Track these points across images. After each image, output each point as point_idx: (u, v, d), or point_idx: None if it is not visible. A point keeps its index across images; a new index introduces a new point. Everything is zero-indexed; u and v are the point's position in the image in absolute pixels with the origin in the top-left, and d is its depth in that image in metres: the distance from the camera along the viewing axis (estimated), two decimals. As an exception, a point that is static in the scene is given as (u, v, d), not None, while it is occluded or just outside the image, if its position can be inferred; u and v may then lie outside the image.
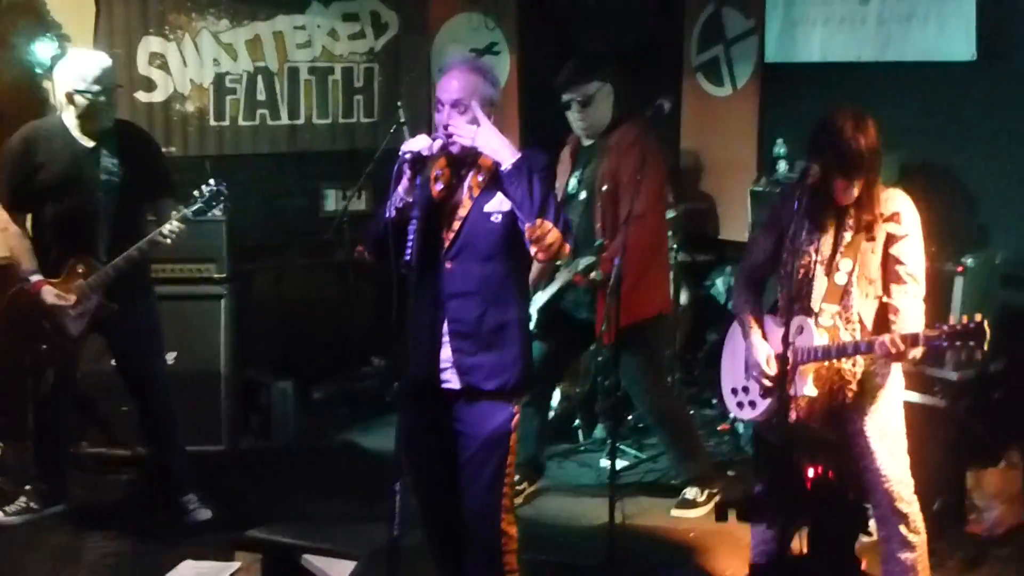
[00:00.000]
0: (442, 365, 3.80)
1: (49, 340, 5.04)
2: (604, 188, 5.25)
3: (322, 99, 6.97)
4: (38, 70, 6.06)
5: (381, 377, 7.12)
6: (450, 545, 3.99)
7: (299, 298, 7.11)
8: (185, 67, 6.44)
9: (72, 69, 4.92)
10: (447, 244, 3.77)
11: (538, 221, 3.61)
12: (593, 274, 5.18)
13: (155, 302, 5.33)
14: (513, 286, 3.84)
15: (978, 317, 3.75)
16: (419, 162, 3.64)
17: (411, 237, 3.60)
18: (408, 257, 3.58)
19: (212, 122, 6.53)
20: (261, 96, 6.77)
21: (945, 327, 3.77)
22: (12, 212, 5.03)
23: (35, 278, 4.99)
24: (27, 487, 5.32)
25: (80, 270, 4.98)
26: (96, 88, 4.88)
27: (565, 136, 5.55)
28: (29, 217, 5.10)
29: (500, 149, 3.66)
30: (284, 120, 6.85)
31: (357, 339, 7.13)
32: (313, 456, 6.30)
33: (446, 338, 3.78)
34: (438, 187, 3.82)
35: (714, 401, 6.66)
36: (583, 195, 5.36)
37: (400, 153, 3.65)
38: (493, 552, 3.85)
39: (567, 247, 3.72)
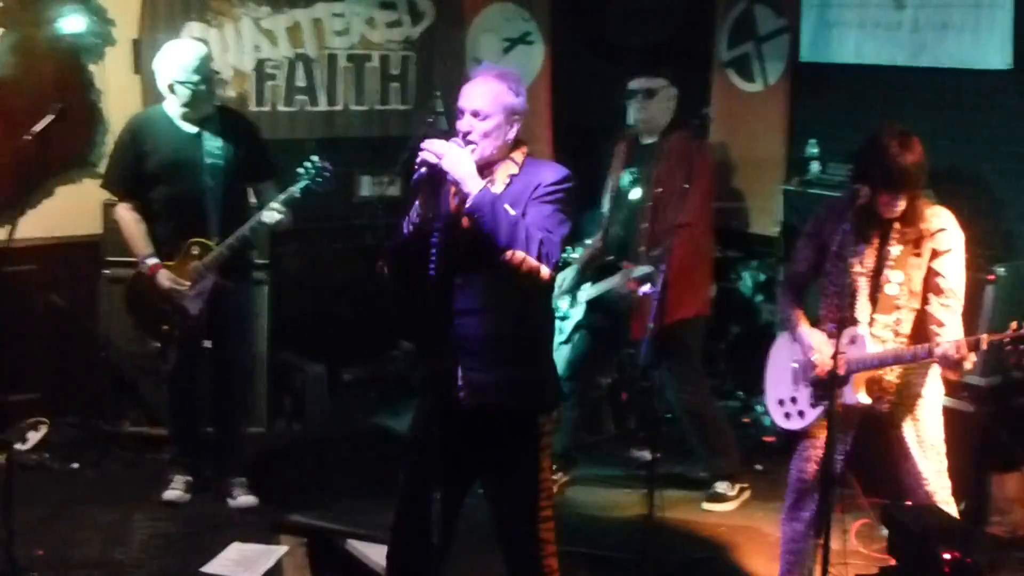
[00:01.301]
0: (457, 383, 3.64)
1: (171, 321, 5.18)
2: (659, 191, 5.36)
3: (359, 86, 7.04)
4: (83, 54, 6.15)
5: (408, 361, 7.22)
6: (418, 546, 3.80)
7: (330, 282, 7.20)
8: (226, 53, 6.50)
9: (171, 60, 5.08)
10: (456, 258, 3.61)
11: (508, 252, 3.45)
12: (647, 287, 5.11)
13: (254, 288, 5.58)
14: (523, 300, 3.64)
15: None
16: (434, 178, 3.52)
17: (433, 253, 3.56)
18: (432, 273, 3.55)
19: (253, 107, 6.60)
20: (300, 82, 6.83)
21: (1010, 332, 3.86)
22: (127, 199, 5.20)
23: (151, 261, 5.13)
24: (174, 465, 5.48)
25: (195, 251, 5.14)
26: (196, 78, 5.05)
27: (595, 124, 5.61)
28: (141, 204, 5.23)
29: (466, 180, 3.49)
30: (322, 107, 6.92)
31: (385, 323, 7.23)
32: (343, 438, 6.43)
33: (458, 355, 3.64)
34: (456, 201, 3.65)
35: (739, 393, 6.82)
36: (637, 194, 5.49)
37: (415, 169, 3.52)
38: (530, 560, 3.81)
39: (544, 273, 3.50)
